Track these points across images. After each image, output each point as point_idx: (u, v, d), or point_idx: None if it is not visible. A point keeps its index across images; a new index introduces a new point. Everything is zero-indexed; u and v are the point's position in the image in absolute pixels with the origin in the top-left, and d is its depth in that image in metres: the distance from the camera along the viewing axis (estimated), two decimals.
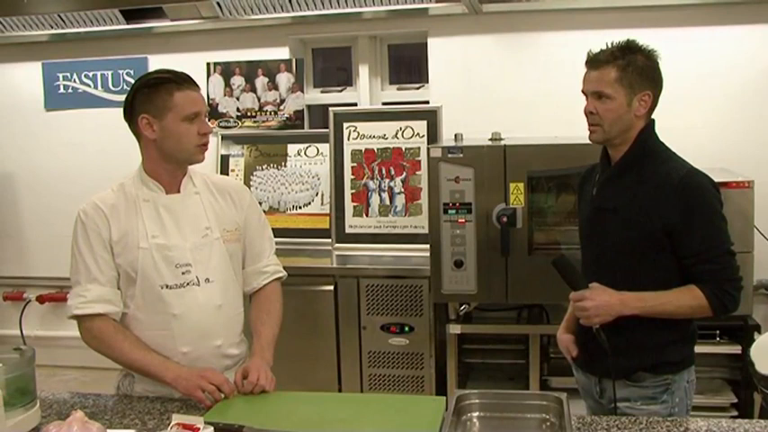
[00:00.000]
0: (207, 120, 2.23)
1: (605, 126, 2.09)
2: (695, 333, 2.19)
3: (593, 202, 2.21)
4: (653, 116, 2.15)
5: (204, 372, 2.05)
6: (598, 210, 2.18)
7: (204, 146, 2.15)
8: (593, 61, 2.10)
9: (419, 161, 4.03)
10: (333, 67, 4.91)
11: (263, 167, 4.39)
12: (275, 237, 2.42)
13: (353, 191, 4.12)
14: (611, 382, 2.11)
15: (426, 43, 4.24)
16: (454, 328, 3.55)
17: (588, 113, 2.12)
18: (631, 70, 2.06)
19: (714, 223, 2.06)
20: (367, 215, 4.10)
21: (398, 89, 4.52)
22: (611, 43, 2.11)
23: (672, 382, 2.11)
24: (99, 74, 4.72)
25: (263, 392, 2.06)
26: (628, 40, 2.11)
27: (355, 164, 4.12)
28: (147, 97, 2.09)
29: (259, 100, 4.47)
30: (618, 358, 2.06)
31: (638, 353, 2.10)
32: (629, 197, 2.10)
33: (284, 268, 2.40)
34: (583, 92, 2.14)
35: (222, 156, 4.46)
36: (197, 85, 2.16)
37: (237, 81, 4.49)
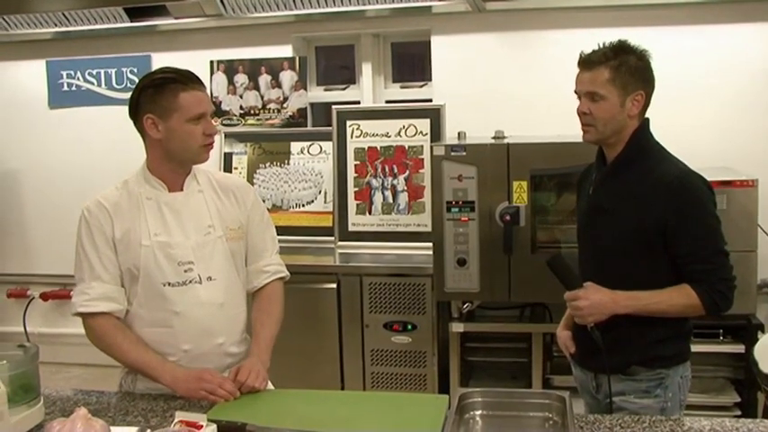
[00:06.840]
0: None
1: (599, 126, 2.10)
2: (690, 330, 2.20)
3: (590, 201, 2.22)
4: (649, 115, 2.15)
5: (202, 374, 2.04)
6: (594, 208, 2.20)
7: (209, 146, 2.14)
8: (586, 62, 2.11)
9: (422, 159, 4.02)
10: (336, 65, 4.90)
11: (267, 165, 4.39)
12: (278, 235, 2.41)
13: (356, 189, 4.12)
14: (606, 377, 2.12)
15: (429, 41, 4.23)
16: (457, 327, 3.55)
17: (581, 114, 2.14)
18: (624, 71, 2.07)
19: (707, 223, 2.07)
20: (370, 213, 4.10)
21: (401, 87, 4.52)
22: (604, 44, 2.11)
23: (665, 376, 2.12)
24: (103, 72, 4.73)
25: (253, 392, 2.04)
26: (619, 40, 2.12)
27: (358, 162, 4.12)
28: (152, 97, 2.07)
29: (262, 98, 4.47)
30: (612, 354, 2.07)
31: (631, 349, 2.11)
32: (624, 196, 2.11)
33: (287, 266, 2.37)
34: (576, 92, 2.15)
35: (225, 154, 4.46)
36: (203, 85, 2.14)
37: (241, 79, 4.49)
